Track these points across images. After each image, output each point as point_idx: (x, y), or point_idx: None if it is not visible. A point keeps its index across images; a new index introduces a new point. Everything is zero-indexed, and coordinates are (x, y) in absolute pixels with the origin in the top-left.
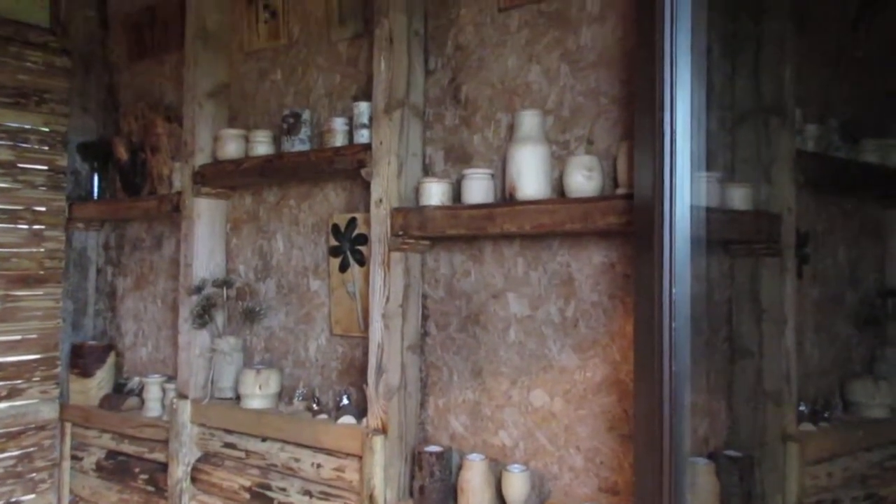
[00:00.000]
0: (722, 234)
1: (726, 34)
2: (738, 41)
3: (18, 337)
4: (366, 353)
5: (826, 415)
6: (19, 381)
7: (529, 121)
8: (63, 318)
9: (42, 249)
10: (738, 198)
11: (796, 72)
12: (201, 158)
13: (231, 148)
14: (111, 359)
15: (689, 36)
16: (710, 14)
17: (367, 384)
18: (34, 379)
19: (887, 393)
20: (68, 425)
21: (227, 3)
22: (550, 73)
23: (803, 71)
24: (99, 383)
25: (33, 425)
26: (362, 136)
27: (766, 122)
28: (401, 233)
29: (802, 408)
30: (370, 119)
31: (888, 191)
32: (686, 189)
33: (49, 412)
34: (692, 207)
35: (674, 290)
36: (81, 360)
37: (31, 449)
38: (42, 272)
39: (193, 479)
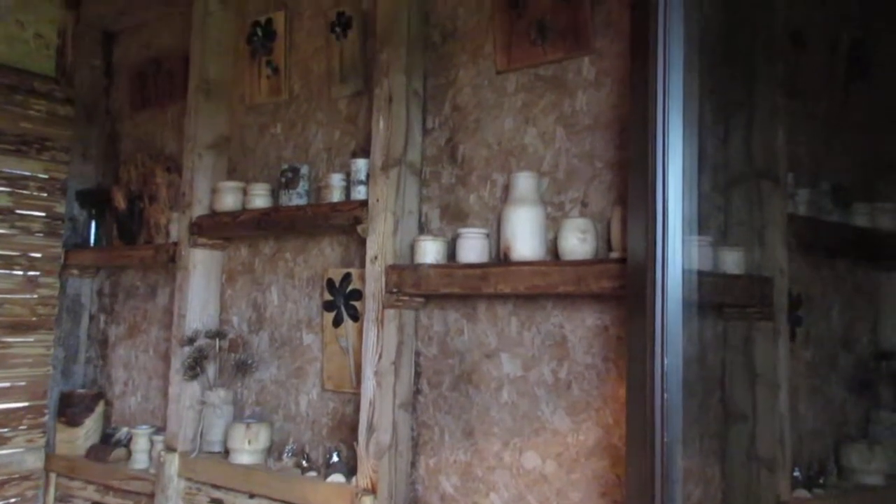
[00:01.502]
0: (714, 297)
1: (718, 99)
2: (730, 106)
3: (7, 384)
4: (357, 410)
5: (821, 480)
6: (5, 430)
7: (525, 182)
8: (53, 366)
9: (36, 296)
10: (731, 261)
11: (788, 136)
12: (199, 209)
13: (229, 200)
14: (100, 408)
15: (682, 102)
16: (702, 79)
17: (357, 442)
18: (21, 427)
19: (882, 458)
20: (53, 475)
21: (230, 57)
22: (546, 136)
23: (795, 135)
24: (86, 433)
25: (17, 475)
26: (359, 193)
27: (758, 186)
28: (395, 290)
29: (797, 473)
30: (367, 176)
31: (879, 254)
32: (678, 253)
33: (34, 462)
34: (684, 271)
35: (666, 360)
36: (70, 409)
37: (14, 500)
38: (34, 319)
39: None
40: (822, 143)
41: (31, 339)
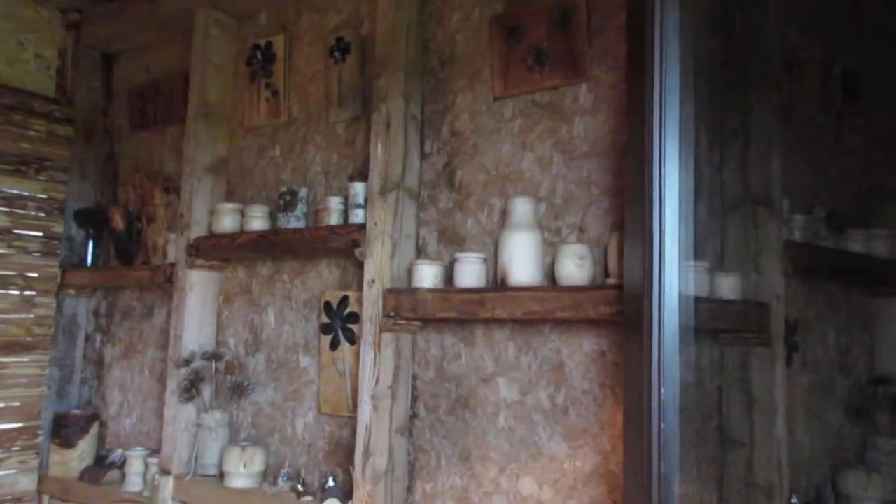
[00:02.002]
0: (711, 323)
1: (714, 126)
2: (725, 133)
3: (1, 405)
4: (353, 434)
5: None
6: None
7: (522, 207)
8: (48, 386)
9: (32, 316)
10: (727, 287)
11: (783, 162)
12: (197, 231)
13: (227, 222)
14: (94, 429)
15: (678, 129)
16: (698, 107)
17: (353, 466)
18: (14, 449)
19: (880, 485)
20: (46, 498)
21: (229, 80)
22: (543, 162)
23: (789, 161)
24: (80, 454)
25: (10, 497)
26: (357, 216)
27: (754, 213)
28: (392, 314)
29: (794, 500)
30: (365, 199)
31: (874, 279)
32: (675, 280)
33: (27, 484)
34: (681, 297)
35: (662, 390)
36: (64, 430)
37: None
38: (30, 338)
39: None
40: (816, 169)
41: (27, 359)
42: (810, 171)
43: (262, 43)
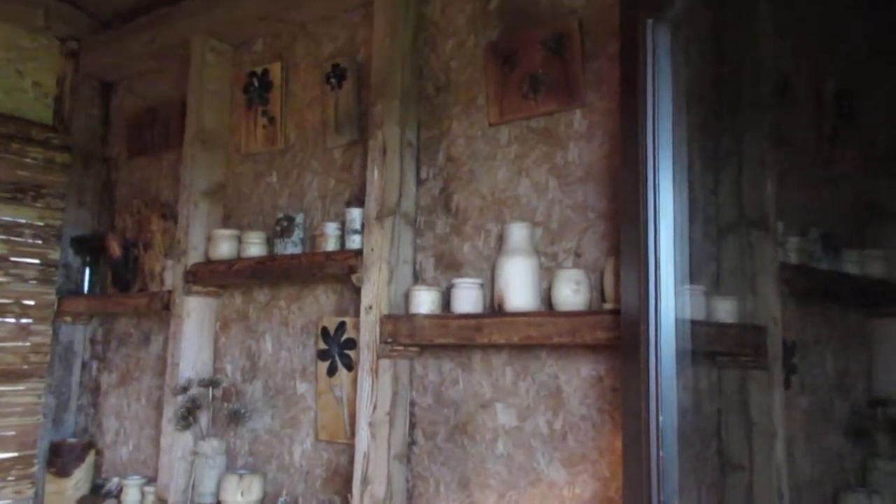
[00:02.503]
0: (708, 346)
1: (708, 149)
2: (719, 156)
3: None
4: (351, 461)
5: None
6: None
7: (518, 232)
8: (44, 414)
9: (28, 343)
10: (724, 310)
11: (777, 184)
12: (194, 257)
13: (224, 248)
14: (90, 457)
15: (671, 153)
16: (692, 131)
17: (351, 494)
18: (9, 478)
19: None
20: None
21: (226, 107)
22: (539, 187)
23: (783, 183)
24: (76, 483)
25: None
26: (354, 242)
27: (749, 235)
28: (390, 339)
29: None
30: (362, 225)
31: (871, 300)
32: (671, 304)
33: None
34: (678, 321)
35: (661, 418)
36: (60, 459)
37: None
38: (26, 366)
39: None
40: (810, 191)
41: (22, 388)
42: (804, 192)
43: (259, 70)
